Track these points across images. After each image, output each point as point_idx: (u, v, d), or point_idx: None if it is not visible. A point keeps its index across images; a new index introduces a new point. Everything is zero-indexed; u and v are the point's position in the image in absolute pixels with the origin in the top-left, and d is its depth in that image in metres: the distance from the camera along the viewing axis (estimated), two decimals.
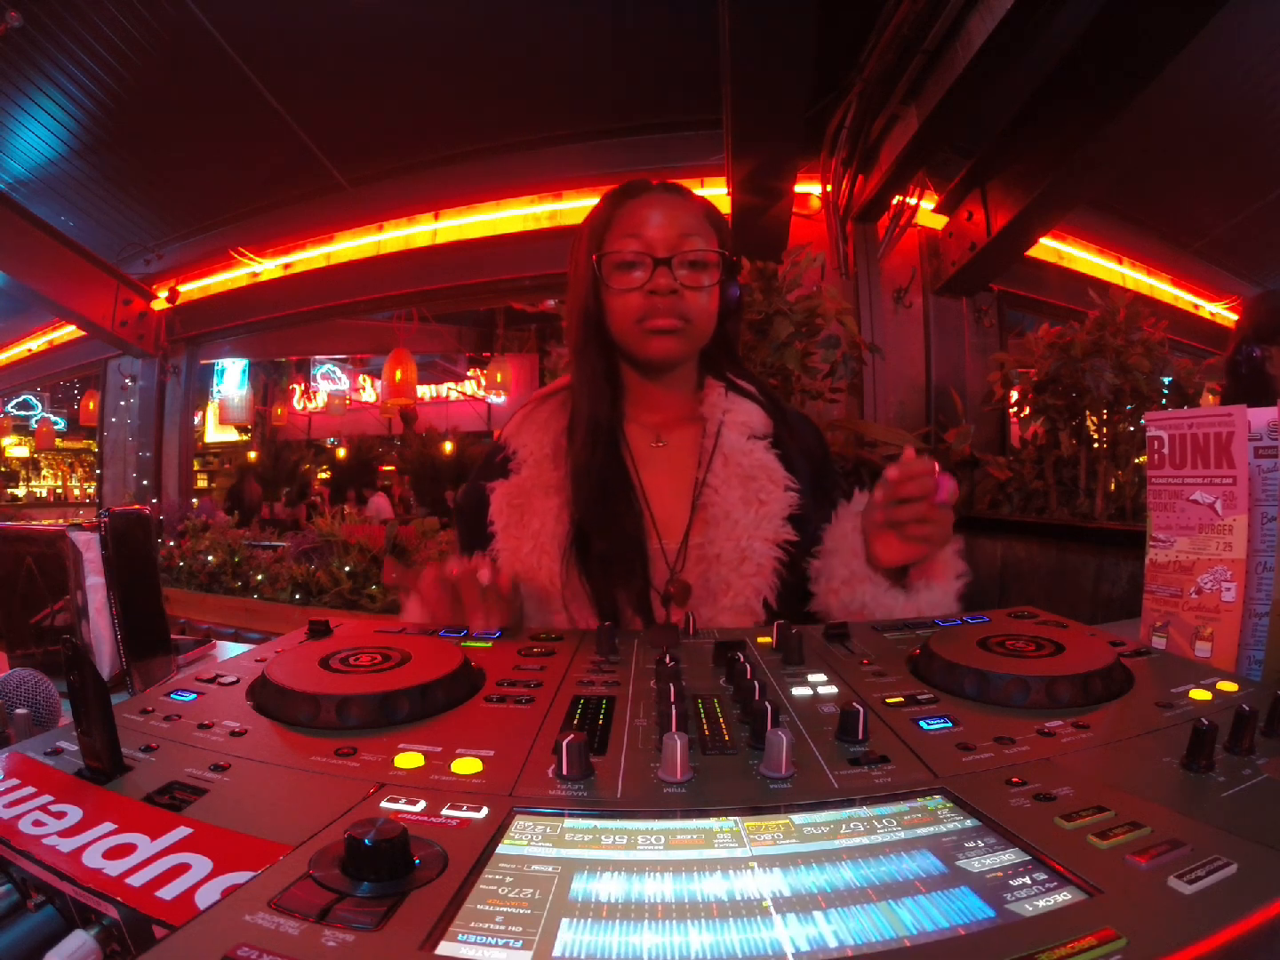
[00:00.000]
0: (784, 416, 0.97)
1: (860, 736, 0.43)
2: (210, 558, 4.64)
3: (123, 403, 6.74)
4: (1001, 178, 3.75)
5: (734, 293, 0.97)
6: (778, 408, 0.98)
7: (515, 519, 0.89)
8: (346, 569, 4.05)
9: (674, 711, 0.42)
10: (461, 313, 9.54)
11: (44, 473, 14.54)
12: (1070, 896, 0.28)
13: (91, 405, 7.46)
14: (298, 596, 4.15)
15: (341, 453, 10.67)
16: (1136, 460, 3.07)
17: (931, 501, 0.74)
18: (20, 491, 13.48)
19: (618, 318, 0.91)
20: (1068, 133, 3.21)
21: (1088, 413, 3.11)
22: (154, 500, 6.44)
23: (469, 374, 11.04)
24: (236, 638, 3.38)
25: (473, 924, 0.27)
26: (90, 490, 13.10)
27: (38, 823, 0.35)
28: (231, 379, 10.81)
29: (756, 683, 0.47)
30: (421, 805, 0.36)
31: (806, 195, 4.27)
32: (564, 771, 0.39)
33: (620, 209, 0.92)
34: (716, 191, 4.24)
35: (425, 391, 10.71)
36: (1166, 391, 3.14)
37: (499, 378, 8.69)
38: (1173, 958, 0.24)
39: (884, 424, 3.96)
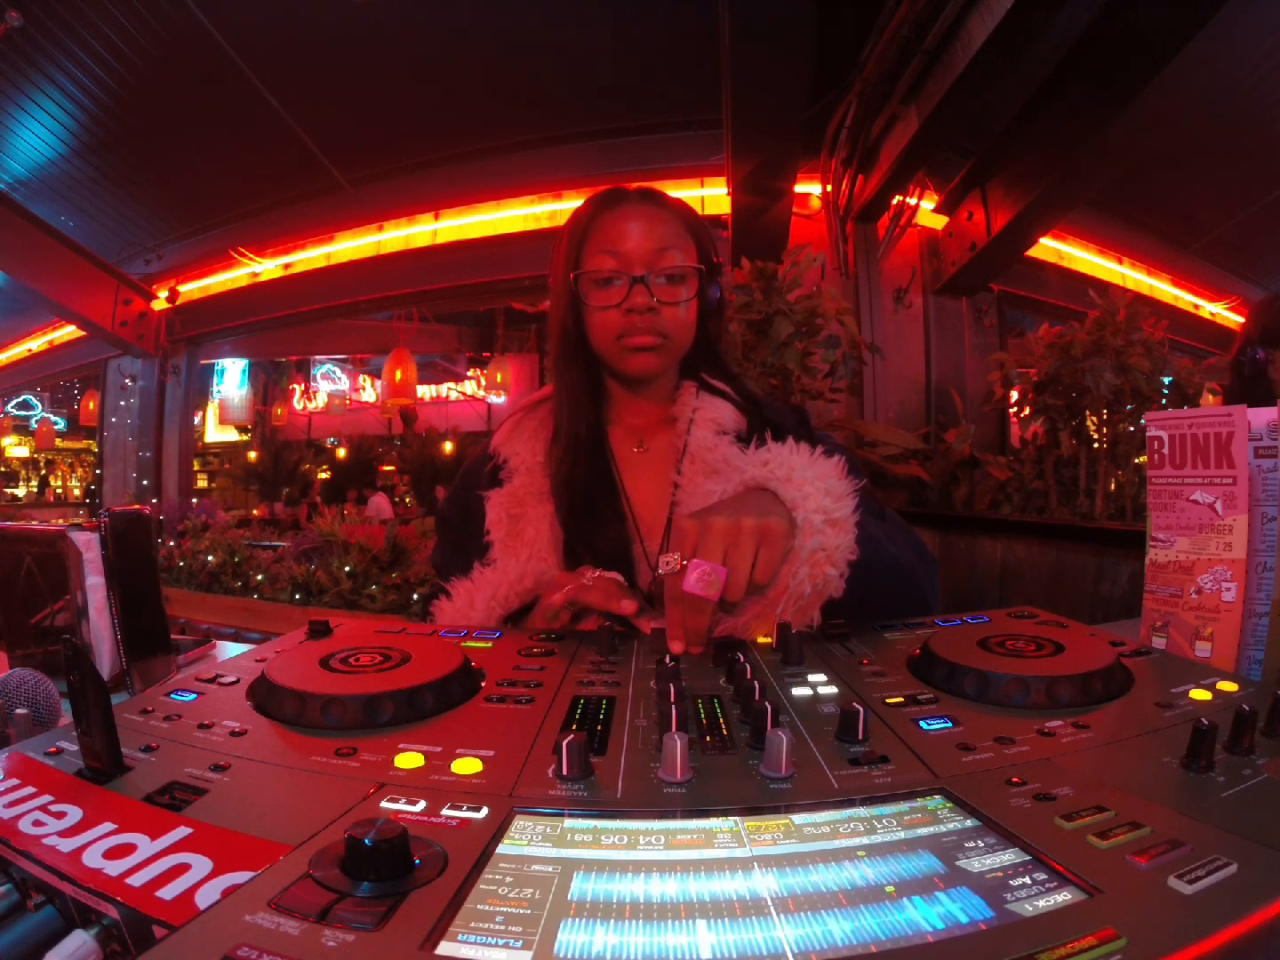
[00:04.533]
0: (759, 410, 0.97)
1: (860, 736, 0.43)
2: (210, 558, 4.64)
3: (123, 403, 6.75)
4: (1001, 178, 3.75)
5: (714, 295, 0.96)
6: (752, 402, 0.98)
7: (512, 528, 0.90)
8: (346, 569, 4.05)
9: (674, 711, 0.42)
10: (461, 313, 9.54)
11: (44, 473, 14.55)
12: (1070, 896, 0.28)
13: (91, 405, 7.47)
14: (298, 596, 4.16)
15: (341, 453, 10.68)
16: (1136, 460, 3.06)
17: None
18: (20, 491, 13.49)
19: (597, 335, 0.92)
20: (1068, 133, 3.21)
21: (1088, 413, 3.11)
22: (154, 500, 6.44)
23: (469, 374, 11.05)
24: (236, 638, 3.38)
25: (473, 924, 0.27)
26: (75, 489, 13.11)
27: (38, 823, 0.35)
28: (231, 379, 10.82)
29: (756, 683, 0.47)
30: (421, 805, 0.36)
31: (806, 195, 4.28)
32: (564, 771, 0.39)
33: (597, 221, 0.91)
34: (716, 191, 4.25)
35: (425, 391, 10.72)
36: (1166, 391, 3.14)
37: (499, 378, 8.70)
38: (1173, 958, 0.24)
39: (884, 424, 3.96)
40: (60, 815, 0.35)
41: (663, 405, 0.99)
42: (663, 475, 0.93)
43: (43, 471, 14.37)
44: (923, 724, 0.45)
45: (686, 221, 0.94)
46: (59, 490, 14.02)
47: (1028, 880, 0.29)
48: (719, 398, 0.96)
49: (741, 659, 0.54)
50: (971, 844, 0.32)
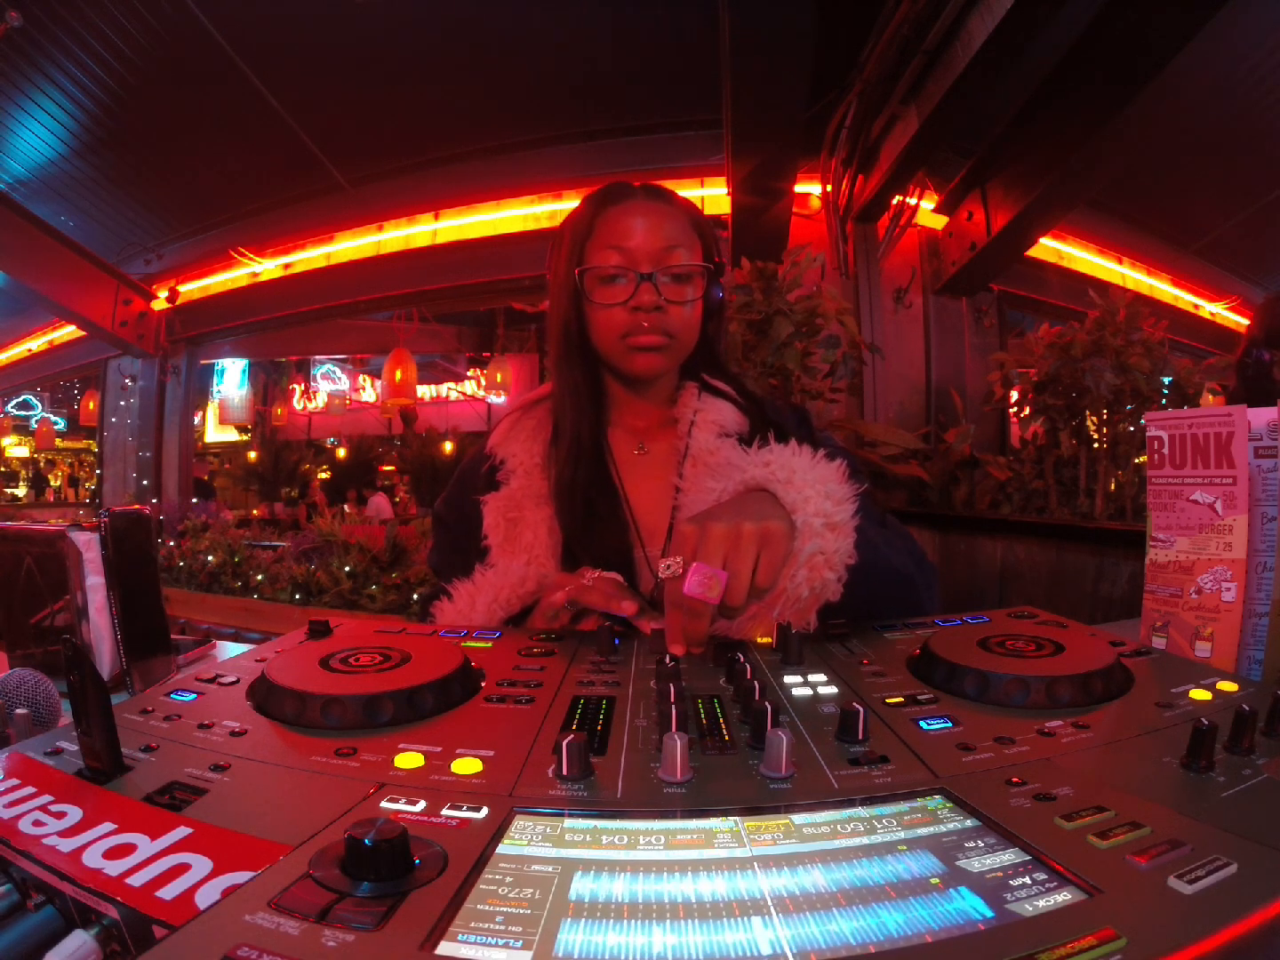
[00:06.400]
0: (762, 411, 0.96)
1: (860, 736, 0.43)
2: (210, 558, 4.63)
3: (123, 403, 6.75)
4: (1001, 178, 3.75)
5: (717, 295, 0.95)
6: (755, 403, 0.96)
7: (509, 533, 0.89)
8: (346, 569, 4.05)
9: (674, 711, 0.42)
10: (461, 313, 9.53)
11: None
12: (1070, 896, 0.28)
13: (91, 405, 7.46)
14: (298, 596, 4.15)
15: (341, 453, 10.68)
16: (1136, 460, 3.07)
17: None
18: (20, 491, 13.48)
19: (601, 333, 0.90)
20: (1068, 133, 3.21)
21: (1088, 413, 3.11)
22: (154, 500, 6.44)
23: (469, 374, 11.04)
24: (236, 638, 3.38)
25: (473, 924, 0.27)
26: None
27: (38, 823, 0.35)
28: (231, 379, 10.82)
29: (756, 683, 0.47)
30: (421, 805, 0.36)
31: (806, 195, 4.28)
32: (564, 771, 0.39)
33: (602, 216, 0.89)
34: (716, 191, 4.25)
35: (425, 391, 10.71)
36: (1166, 391, 3.14)
37: (499, 378, 8.68)
38: (1173, 958, 0.24)
39: (884, 424, 3.96)
40: (60, 815, 0.35)
41: (664, 406, 0.98)
42: (664, 478, 0.92)
43: (51, 473, 14.36)
44: (923, 724, 0.45)
45: (692, 219, 0.92)
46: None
47: (1028, 880, 0.29)
48: (721, 399, 0.95)
49: (741, 659, 0.54)
50: (971, 844, 0.32)
